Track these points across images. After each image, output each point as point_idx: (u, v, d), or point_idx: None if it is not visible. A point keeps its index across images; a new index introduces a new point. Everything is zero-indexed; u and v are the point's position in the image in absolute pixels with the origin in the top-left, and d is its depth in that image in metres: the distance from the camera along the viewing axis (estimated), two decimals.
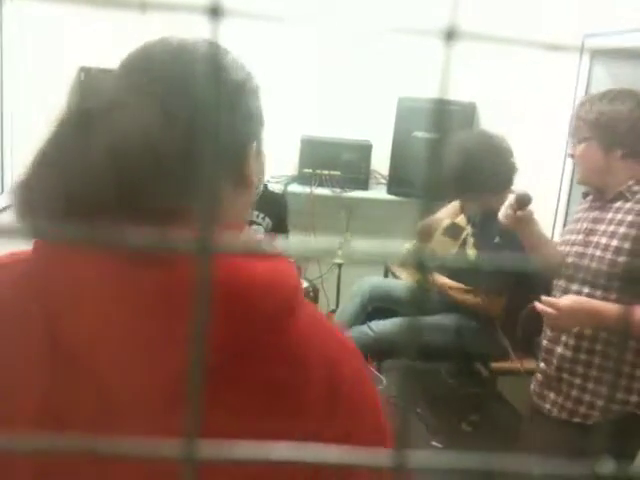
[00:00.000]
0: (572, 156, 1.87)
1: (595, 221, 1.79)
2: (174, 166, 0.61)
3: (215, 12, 0.23)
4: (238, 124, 0.68)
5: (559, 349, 1.80)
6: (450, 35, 0.24)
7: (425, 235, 2.93)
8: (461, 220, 2.93)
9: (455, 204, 2.98)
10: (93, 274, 0.59)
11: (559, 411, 1.80)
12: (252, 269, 0.61)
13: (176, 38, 0.68)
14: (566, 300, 1.66)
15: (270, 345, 0.62)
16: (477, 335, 2.76)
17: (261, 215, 3.58)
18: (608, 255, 1.69)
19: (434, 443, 2.96)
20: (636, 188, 1.72)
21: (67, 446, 0.29)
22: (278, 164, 3.88)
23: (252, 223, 3.56)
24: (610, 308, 1.61)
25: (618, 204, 1.74)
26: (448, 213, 2.98)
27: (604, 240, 1.72)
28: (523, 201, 1.93)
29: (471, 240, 2.83)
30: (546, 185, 3.03)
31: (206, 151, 0.21)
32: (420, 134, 3.71)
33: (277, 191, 3.75)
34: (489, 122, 3.62)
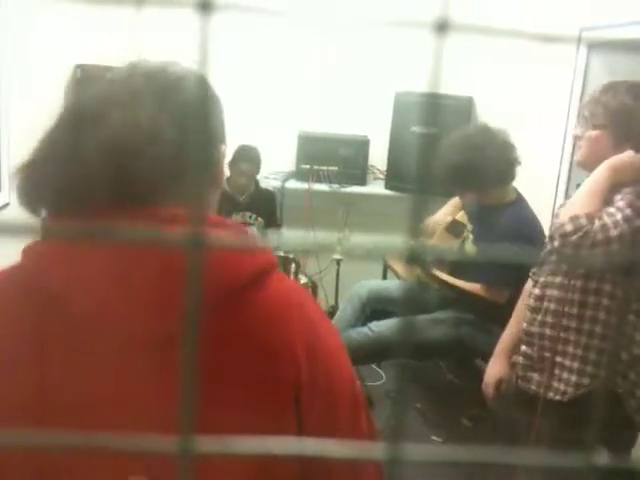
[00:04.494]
0: (577, 137, 1.84)
1: None
2: (166, 164, 0.68)
3: (205, 7, 0.23)
4: (212, 129, 0.76)
5: (537, 329, 1.82)
6: (442, 27, 0.24)
7: (428, 234, 2.92)
8: (462, 217, 2.92)
9: (456, 201, 2.98)
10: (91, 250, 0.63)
11: (545, 390, 1.81)
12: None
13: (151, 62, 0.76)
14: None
15: (237, 310, 0.67)
16: (476, 330, 2.76)
17: (253, 216, 3.58)
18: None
19: (434, 438, 2.97)
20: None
21: (65, 442, 0.29)
22: (275, 160, 3.87)
23: (244, 224, 3.56)
24: None
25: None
26: (449, 210, 2.97)
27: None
28: None
29: (470, 236, 2.83)
30: (544, 178, 3.03)
31: (195, 151, 0.21)
32: (417, 129, 3.71)
33: (267, 188, 3.75)
34: (487, 116, 3.62)
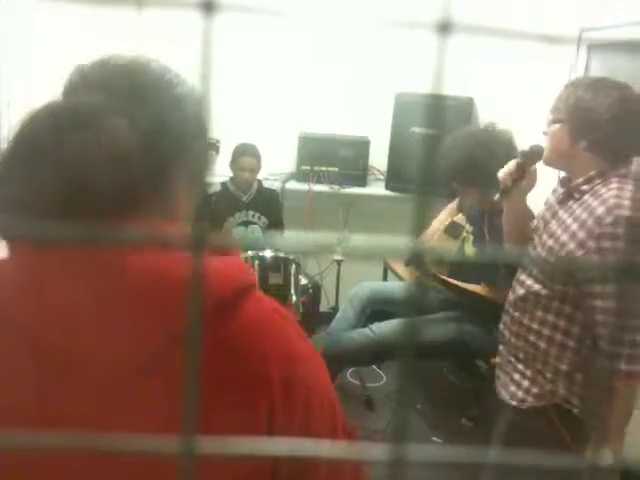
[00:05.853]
0: (544, 134, 1.83)
1: (560, 208, 1.78)
2: (141, 172, 0.65)
3: (208, 8, 0.23)
4: (187, 127, 0.73)
5: (507, 333, 1.82)
6: (444, 28, 0.24)
7: (428, 237, 2.92)
8: (460, 219, 2.92)
9: (451, 207, 2.98)
10: (60, 265, 0.61)
11: (504, 392, 1.81)
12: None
13: (127, 56, 0.76)
14: None
15: (209, 335, 0.62)
16: (477, 331, 2.76)
17: (257, 215, 3.57)
18: (556, 246, 1.68)
19: (434, 438, 2.97)
20: (597, 181, 1.67)
21: (68, 443, 0.29)
22: (276, 161, 3.88)
23: (248, 223, 3.56)
24: None
25: (577, 195, 1.72)
26: (448, 213, 2.97)
27: (558, 230, 1.70)
28: (536, 153, 1.84)
29: (470, 237, 2.83)
30: (542, 178, 3.02)
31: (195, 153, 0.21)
32: (418, 129, 3.71)
33: (272, 188, 3.75)
34: (487, 117, 3.62)
